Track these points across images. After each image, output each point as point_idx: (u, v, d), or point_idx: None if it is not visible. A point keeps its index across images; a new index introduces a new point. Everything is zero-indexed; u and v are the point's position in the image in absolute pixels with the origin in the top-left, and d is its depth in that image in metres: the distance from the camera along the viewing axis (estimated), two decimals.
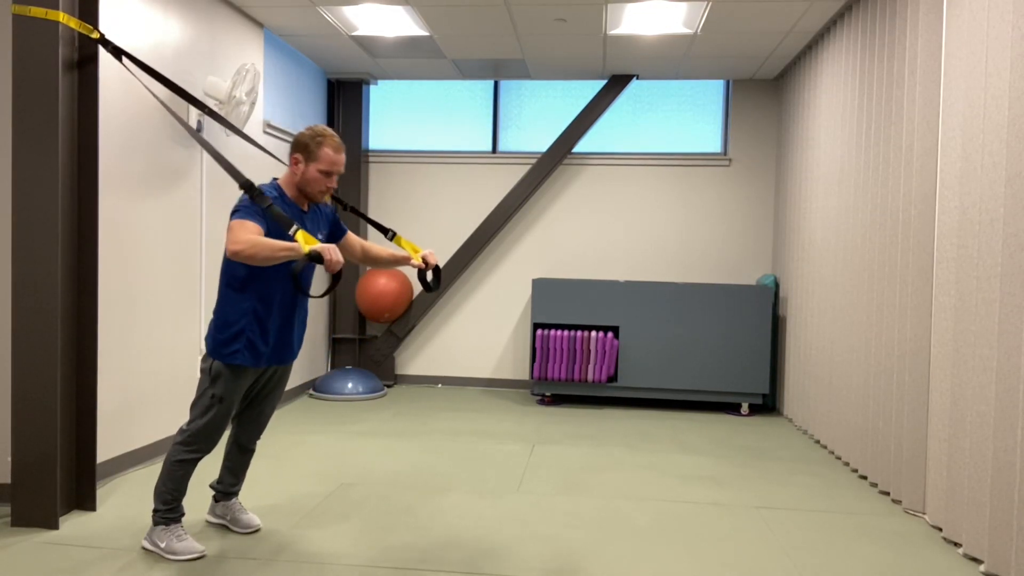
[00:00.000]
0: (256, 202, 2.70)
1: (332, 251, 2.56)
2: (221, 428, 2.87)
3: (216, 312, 2.85)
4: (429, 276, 3.06)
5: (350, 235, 3.15)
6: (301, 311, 2.99)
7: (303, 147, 2.80)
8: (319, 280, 6.60)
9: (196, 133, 3.18)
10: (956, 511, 3.16)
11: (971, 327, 3.05)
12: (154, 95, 3.50)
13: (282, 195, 2.84)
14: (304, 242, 2.58)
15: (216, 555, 2.88)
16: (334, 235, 3.08)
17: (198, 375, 4.52)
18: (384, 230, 3.25)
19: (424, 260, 3.01)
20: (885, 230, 3.92)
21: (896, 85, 3.82)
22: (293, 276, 2.63)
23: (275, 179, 2.89)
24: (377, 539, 3.08)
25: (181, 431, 2.87)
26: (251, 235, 2.60)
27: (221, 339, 2.80)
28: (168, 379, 4.28)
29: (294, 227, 2.63)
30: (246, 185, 2.74)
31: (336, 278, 2.66)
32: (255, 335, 2.81)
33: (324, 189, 2.83)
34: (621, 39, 5.46)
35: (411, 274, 6.72)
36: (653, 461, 4.41)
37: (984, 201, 2.96)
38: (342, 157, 2.85)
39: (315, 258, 2.56)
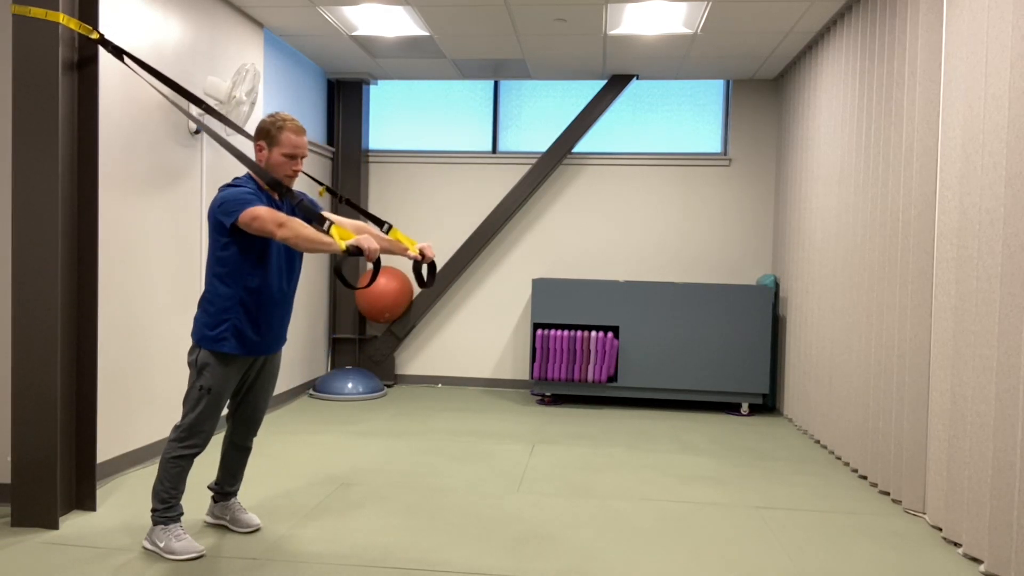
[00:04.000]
0: (286, 198, 2.84)
1: (367, 240, 2.61)
2: (213, 420, 2.88)
3: (203, 300, 2.87)
4: (424, 271, 3.05)
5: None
6: (290, 300, 3.00)
7: (265, 133, 2.86)
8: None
9: (213, 131, 3.15)
10: (956, 511, 3.16)
11: (971, 327, 3.05)
12: (163, 95, 3.47)
13: (257, 187, 2.86)
14: (339, 237, 2.62)
15: (215, 555, 2.88)
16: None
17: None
18: (380, 223, 3.26)
19: (421, 252, 3.03)
20: (885, 230, 3.92)
21: (896, 85, 3.82)
22: (336, 272, 2.64)
23: (247, 173, 2.92)
24: (377, 539, 3.08)
25: (175, 428, 2.88)
26: (288, 217, 2.66)
27: (207, 327, 2.82)
28: (168, 379, 4.28)
29: (328, 223, 2.69)
30: (273, 183, 2.82)
31: (377, 266, 2.71)
32: (243, 323, 2.83)
33: (290, 173, 2.88)
34: (621, 39, 5.46)
35: (411, 273, 6.71)
36: (653, 461, 4.41)
37: (984, 201, 2.96)
38: (304, 139, 2.90)
39: (354, 252, 2.58)
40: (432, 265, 3.07)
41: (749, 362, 5.82)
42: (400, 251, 3.10)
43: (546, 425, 5.33)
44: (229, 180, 2.95)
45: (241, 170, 4.81)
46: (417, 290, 6.74)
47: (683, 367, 5.87)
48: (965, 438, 3.10)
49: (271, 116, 2.90)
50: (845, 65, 4.63)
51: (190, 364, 2.87)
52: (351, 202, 3.34)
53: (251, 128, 5.14)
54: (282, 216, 2.66)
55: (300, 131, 2.89)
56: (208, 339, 2.82)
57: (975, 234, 3.06)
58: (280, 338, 3.01)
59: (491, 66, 6.23)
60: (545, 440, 4.87)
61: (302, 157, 2.90)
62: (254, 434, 3.13)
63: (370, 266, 2.70)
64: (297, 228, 2.63)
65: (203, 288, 2.89)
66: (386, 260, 6.66)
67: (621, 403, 6.19)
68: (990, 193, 2.92)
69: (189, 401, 2.86)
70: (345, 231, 2.67)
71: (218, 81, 4.45)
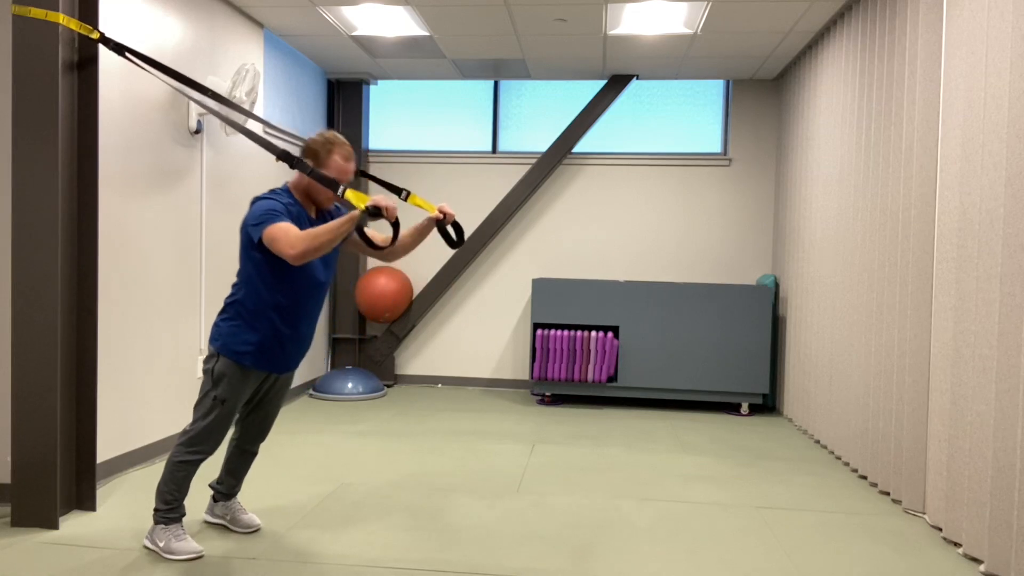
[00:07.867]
0: (298, 168, 2.75)
1: (382, 199, 2.56)
2: (223, 430, 2.86)
3: (231, 308, 2.80)
4: (452, 231, 2.98)
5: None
6: (316, 317, 2.96)
7: (313, 154, 2.78)
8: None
9: (221, 115, 3.13)
10: (956, 511, 3.16)
11: (971, 327, 3.05)
12: (171, 86, 3.47)
13: (292, 199, 2.81)
14: (356, 200, 2.59)
15: (215, 555, 2.88)
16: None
17: (200, 375, 4.55)
18: (397, 190, 3.08)
19: (442, 212, 2.85)
20: (885, 230, 3.92)
21: (896, 85, 3.82)
22: (359, 232, 2.64)
23: (286, 183, 2.87)
24: (377, 539, 3.08)
25: (184, 432, 2.87)
26: (300, 232, 2.57)
27: (232, 337, 2.77)
28: (168, 379, 4.28)
29: (342, 188, 2.67)
30: (283, 155, 2.79)
31: (396, 226, 2.71)
32: (269, 339, 2.79)
33: (330, 197, 2.81)
34: (621, 39, 5.46)
35: (411, 273, 6.72)
36: (653, 461, 4.41)
37: (984, 201, 2.96)
38: (352, 166, 2.82)
39: (374, 213, 2.55)
40: (457, 224, 2.94)
41: (749, 362, 5.82)
42: (425, 230, 2.95)
43: (546, 425, 5.33)
44: (261, 190, 2.92)
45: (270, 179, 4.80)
46: (418, 290, 6.74)
47: (683, 367, 5.87)
48: (965, 438, 3.10)
49: (322, 135, 2.79)
50: (845, 65, 4.63)
51: (206, 372, 2.81)
52: (365, 173, 3.22)
53: (257, 125, 5.14)
54: (293, 235, 2.55)
55: (350, 157, 2.80)
56: (231, 350, 2.76)
57: (975, 234, 3.06)
58: (303, 354, 2.97)
59: (491, 66, 6.23)
60: (545, 440, 4.87)
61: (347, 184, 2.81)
62: (262, 440, 3.12)
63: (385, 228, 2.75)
64: (310, 240, 2.53)
65: (232, 294, 2.82)
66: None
67: (621, 403, 6.19)
68: (990, 193, 2.92)
69: (201, 408, 2.83)
70: (360, 194, 2.62)
71: (218, 81, 4.45)
